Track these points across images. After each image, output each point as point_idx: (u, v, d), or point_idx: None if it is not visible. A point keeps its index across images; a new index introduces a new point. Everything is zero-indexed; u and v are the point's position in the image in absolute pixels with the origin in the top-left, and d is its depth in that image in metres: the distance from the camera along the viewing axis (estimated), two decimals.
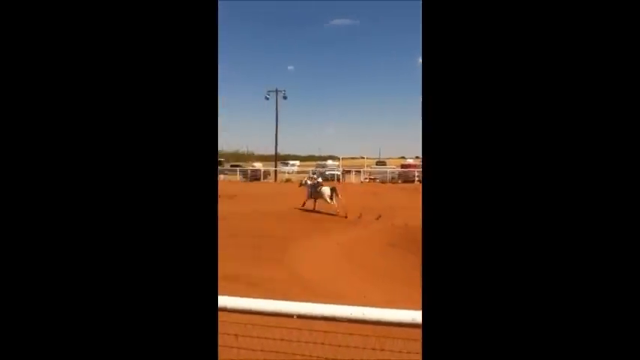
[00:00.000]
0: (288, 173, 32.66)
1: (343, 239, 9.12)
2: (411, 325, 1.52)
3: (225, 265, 6.72)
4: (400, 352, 1.71)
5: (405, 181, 27.01)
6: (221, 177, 32.28)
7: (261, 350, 1.84)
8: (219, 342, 1.79)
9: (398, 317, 1.56)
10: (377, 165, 35.96)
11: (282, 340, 1.83)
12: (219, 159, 37.94)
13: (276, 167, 34.15)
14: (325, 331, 1.73)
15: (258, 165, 36.64)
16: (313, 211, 13.39)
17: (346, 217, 12.08)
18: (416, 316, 1.50)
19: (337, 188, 13.72)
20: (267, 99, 35.62)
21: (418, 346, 1.24)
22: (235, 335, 1.80)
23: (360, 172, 31.64)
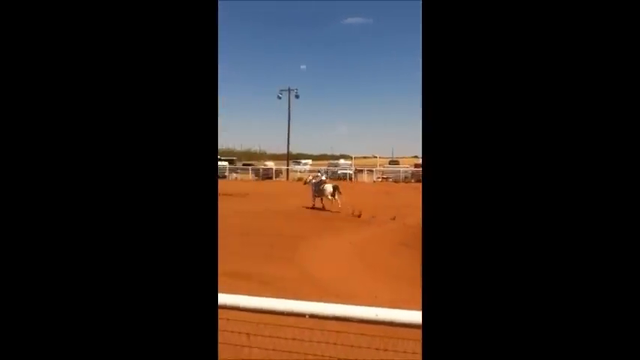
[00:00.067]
0: (300, 172, 32.73)
1: (355, 238, 9.11)
2: None
3: (237, 264, 6.78)
4: (414, 353, 1.69)
5: (418, 181, 26.83)
6: (233, 175, 32.53)
7: (274, 349, 1.84)
8: (232, 340, 1.80)
9: (410, 318, 1.54)
10: (390, 164, 35.85)
11: (294, 339, 1.83)
12: (231, 158, 38.28)
13: (288, 166, 34.25)
14: (337, 331, 1.73)
15: (270, 164, 36.81)
16: (323, 209, 13.45)
17: (359, 216, 12.09)
18: None
19: (339, 187, 14.23)
20: (280, 98, 35.78)
21: None
22: (247, 334, 1.81)
23: (372, 171, 31.57)
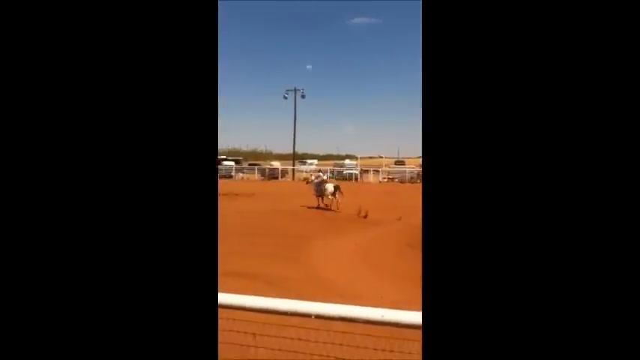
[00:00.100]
0: (305, 172, 32.78)
1: (360, 239, 9.10)
2: None
3: (244, 263, 6.79)
4: (420, 354, 1.69)
5: None
6: (240, 175, 32.63)
7: (279, 350, 1.85)
8: (238, 340, 1.81)
9: (416, 319, 1.54)
10: (395, 164, 35.77)
11: (299, 339, 1.83)
12: (237, 158, 38.39)
13: (294, 166, 34.28)
14: (343, 332, 1.73)
15: (276, 164, 36.87)
16: (328, 209, 13.48)
17: (365, 217, 12.09)
18: None
19: (340, 186, 14.58)
20: (286, 98, 35.80)
21: None
22: (254, 334, 1.81)
23: (378, 171, 31.52)
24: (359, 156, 38.54)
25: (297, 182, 27.79)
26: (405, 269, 6.46)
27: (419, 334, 1.55)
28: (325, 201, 14.09)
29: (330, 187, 14.13)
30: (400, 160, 38.84)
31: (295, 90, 35.36)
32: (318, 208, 14.02)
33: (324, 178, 15.37)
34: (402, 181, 28.47)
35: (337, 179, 25.08)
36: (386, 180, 30.04)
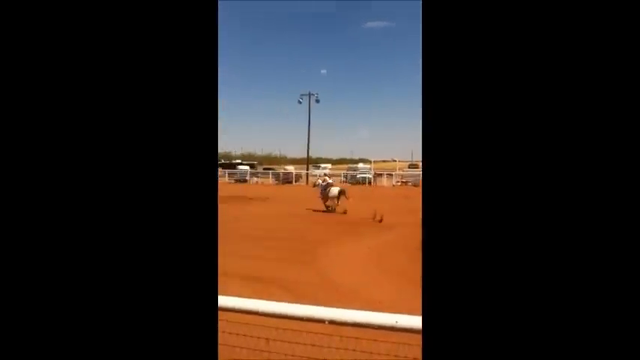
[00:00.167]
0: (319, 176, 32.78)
1: (374, 243, 9.05)
2: None
3: (259, 267, 6.80)
4: None
5: None
6: (254, 180, 32.81)
7: (292, 355, 1.84)
8: (251, 345, 1.81)
9: None
10: (409, 168, 35.56)
11: (312, 345, 1.82)
12: (252, 162, 38.59)
13: (307, 170, 34.33)
14: (356, 338, 1.72)
15: (290, 168, 37.01)
16: (345, 213, 13.46)
17: (380, 221, 12.02)
18: None
19: (347, 190, 14.82)
20: (300, 102, 35.98)
21: None
22: (267, 339, 1.81)
23: (391, 175, 31.37)
24: (373, 160, 38.43)
25: (311, 187, 27.81)
26: (418, 273, 6.39)
27: None
28: (329, 203, 14.22)
29: (334, 190, 14.23)
30: (414, 163, 38.60)
31: (310, 94, 35.51)
32: (324, 211, 14.11)
33: (330, 181, 15.49)
34: (415, 185, 28.26)
35: (351, 183, 24.94)
36: (399, 184, 29.86)
